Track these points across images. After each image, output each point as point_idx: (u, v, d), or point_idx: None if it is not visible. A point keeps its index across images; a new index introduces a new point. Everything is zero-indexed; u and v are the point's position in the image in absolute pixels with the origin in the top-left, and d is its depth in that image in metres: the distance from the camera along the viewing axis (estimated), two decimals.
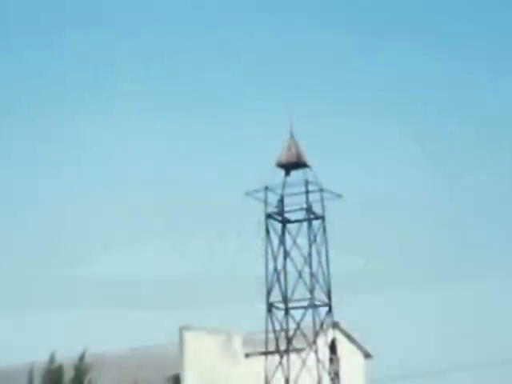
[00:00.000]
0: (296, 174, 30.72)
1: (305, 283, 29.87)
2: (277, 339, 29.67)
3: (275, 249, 30.45)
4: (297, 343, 29.72)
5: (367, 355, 36.37)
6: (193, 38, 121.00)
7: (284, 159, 30.58)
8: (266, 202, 30.63)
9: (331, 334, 31.29)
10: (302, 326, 29.85)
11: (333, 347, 31.47)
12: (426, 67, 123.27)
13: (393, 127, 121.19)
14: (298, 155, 30.48)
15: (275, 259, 30.33)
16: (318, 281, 29.94)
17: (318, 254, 30.22)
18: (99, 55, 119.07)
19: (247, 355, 30.78)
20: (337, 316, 31.11)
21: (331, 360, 30.94)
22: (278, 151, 30.76)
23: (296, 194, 30.66)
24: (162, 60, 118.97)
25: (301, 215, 30.55)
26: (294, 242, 30.49)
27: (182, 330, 29.70)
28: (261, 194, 30.57)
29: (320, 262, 30.14)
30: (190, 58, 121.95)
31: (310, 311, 29.75)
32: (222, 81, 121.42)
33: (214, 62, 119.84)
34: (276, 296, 30.07)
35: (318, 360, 29.36)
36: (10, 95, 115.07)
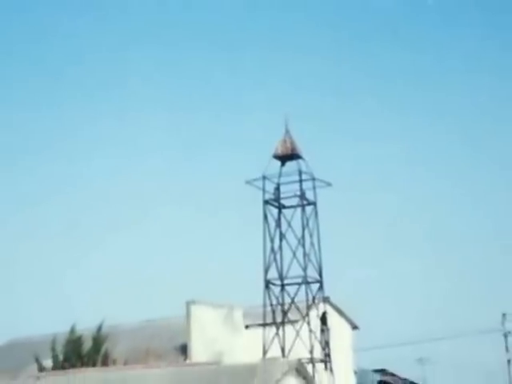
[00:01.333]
0: (291, 165, 30.73)
1: (298, 262, 29.87)
2: (273, 312, 29.66)
3: (272, 231, 30.43)
4: (291, 316, 29.69)
5: (354, 327, 36.29)
6: (197, 42, 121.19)
7: (280, 151, 30.53)
8: (263, 190, 30.60)
9: (322, 307, 31.24)
10: (296, 300, 29.82)
11: (323, 319, 31.43)
12: (415, 65, 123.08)
13: (379, 123, 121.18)
14: (293, 148, 30.43)
15: (272, 241, 30.31)
16: (310, 260, 29.93)
17: (311, 235, 30.20)
18: (115, 57, 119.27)
19: (247, 327, 30.68)
20: (327, 291, 31.12)
21: (322, 331, 30.90)
22: (275, 144, 30.68)
23: (291, 183, 30.66)
24: (171, 63, 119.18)
25: (295, 201, 30.53)
26: (289, 226, 30.48)
27: (188, 304, 29.61)
28: (259, 183, 30.58)
29: (312, 243, 30.12)
30: (195, 60, 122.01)
31: (303, 287, 29.73)
32: (225, 81, 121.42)
33: (217, 64, 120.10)
34: (273, 273, 30.06)
35: (310, 331, 29.35)
36: (32, 94, 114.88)
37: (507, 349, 44.47)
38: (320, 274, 30.03)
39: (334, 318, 33.30)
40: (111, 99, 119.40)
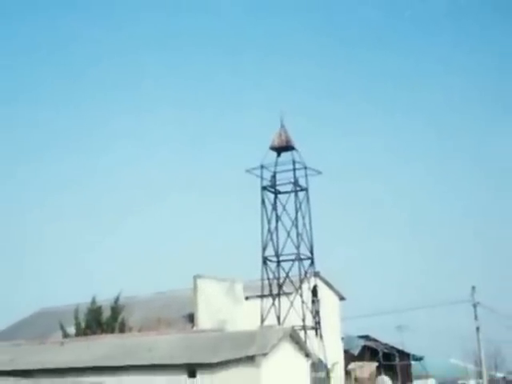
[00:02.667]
0: (285, 156, 30.65)
1: (292, 241, 29.85)
2: (270, 285, 29.67)
3: (269, 214, 30.41)
4: (286, 288, 29.71)
5: (341, 298, 36.30)
6: (202, 48, 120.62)
7: (276, 143, 30.49)
8: (261, 178, 30.59)
9: (313, 281, 31.28)
10: (290, 274, 29.82)
11: (314, 291, 31.47)
12: (396, 68, 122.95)
13: (365, 118, 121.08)
14: (287, 140, 30.40)
15: (269, 222, 30.29)
16: (302, 239, 29.92)
17: (303, 218, 30.20)
18: (128, 61, 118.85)
19: (247, 298, 30.73)
20: (317, 267, 31.12)
21: (313, 302, 30.95)
22: (271, 137, 30.65)
23: (285, 171, 30.61)
24: (179, 66, 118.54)
25: (289, 188, 30.49)
26: (284, 209, 30.46)
27: (195, 278, 29.65)
28: (257, 171, 30.53)
29: (304, 225, 30.12)
30: (200, 63, 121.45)
31: (296, 263, 29.73)
32: (227, 82, 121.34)
33: (219, 67, 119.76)
34: (269, 251, 30.06)
35: (302, 302, 29.36)
36: (56, 93, 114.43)
37: (476, 317, 44.43)
38: (311, 252, 30.05)
39: (323, 291, 33.32)
40: (125, 98, 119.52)
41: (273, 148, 30.59)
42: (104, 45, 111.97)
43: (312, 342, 27.82)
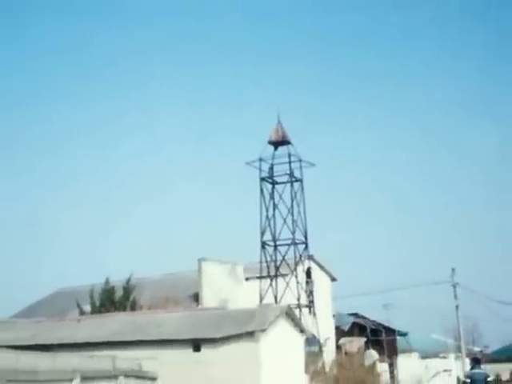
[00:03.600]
0: (282, 149, 30.75)
1: (288, 227, 29.97)
2: (268, 267, 29.76)
3: (267, 203, 30.48)
4: (282, 270, 29.80)
5: (333, 279, 36.36)
6: (206, 51, 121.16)
7: (273, 138, 30.55)
8: (260, 169, 30.68)
9: (307, 263, 31.36)
10: (286, 258, 29.92)
11: (308, 273, 31.53)
12: (381, 69, 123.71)
13: (353, 115, 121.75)
14: (284, 135, 30.44)
15: (267, 210, 30.37)
16: (297, 225, 30.02)
17: (298, 206, 30.29)
18: (140, 63, 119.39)
19: (247, 279, 30.77)
20: (311, 250, 31.25)
21: (307, 282, 31.02)
22: (269, 133, 30.68)
23: (282, 164, 30.71)
24: (185, 67, 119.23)
25: (285, 178, 30.57)
26: (280, 198, 30.56)
27: (199, 260, 29.69)
28: (256, 164, 30.62)
29: (299, 212, 30.21)
30: (205, 65, 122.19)
31: (291, 247, 29.84)
32: (229, 82, 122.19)
33: (222, 68, 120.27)
34: (267, 236, 30.14)
35: (297, 282, 29.46)
36: (75, 91, 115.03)
37: (456, 297, 44.55)
38: (305, 237, 30.14)
39: (316, 272, 33.39)
40: (136, 96, 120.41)
41: (270, 142, 30.65)
42: (117, 48, 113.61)
43: (306, 319, 27.91)
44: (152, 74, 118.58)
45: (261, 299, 28.77)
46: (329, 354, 30.06)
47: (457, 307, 44.98)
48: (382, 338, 37.66)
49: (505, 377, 70.90)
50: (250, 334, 21.19)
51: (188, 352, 21.57)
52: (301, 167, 30.57)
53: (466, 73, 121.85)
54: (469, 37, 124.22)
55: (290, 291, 28.92)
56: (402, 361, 36.58)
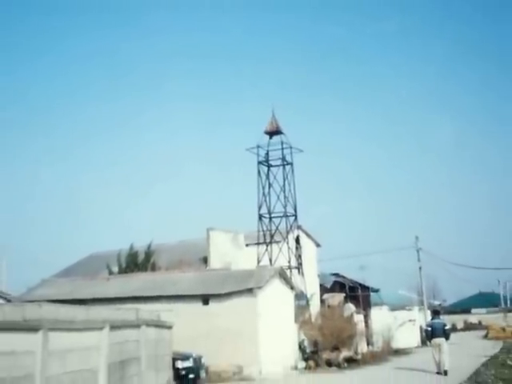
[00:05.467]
0: (276, 138, 30.67)
1: (281, 202, 29.96)
2: (264, 235, 29.80)
3: (263, 182, 30.46)
4: (276, 238, 29.84)
5: (318, 245, 36.42)
6: (212, 57, 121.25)
7: (268, 129, 30.48)
8: (257, 155, 30.59)
9: (296, 232, 31.38)
10: (279, 227, 29.94)
11: (297, 240, 31.55)
12: (358, 73, 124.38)
13: (336, 110, 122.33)
14: (277, 127, 30.38)
15: (263, 188, 30.36)
16: (288, 201, 30.02)
17: (289, 185, 30.27)
18: (157, 67, 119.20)
19: (247, 245, 30.84)
20: (300, 221, 31.28)
21: (296, 248, 31.04)
22: (265, 124, 30.63)
23: (276, 150, 30.62)
24: (195, 70, 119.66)
25: (278, 162, 30.51)
26: (275, 178, 30.53)
27: (208, 230, 29.74)
28: (255, 150, 30.54)
29: (290, 190, 30.20)
30: (211, 68, 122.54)
31: (284, 219, 29.86)
32: (231, 83, 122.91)
33: (225, 71, 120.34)
34: (264, 210, 30.15)
35: (288, 248, 29.51)
36: (104, 91, 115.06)
37: (419, 259, 44.74)
38: (295, 210, 30.16)
39: (304, 240, 33.44)
40: (155, 94, 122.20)
41: (266, 132, 30.60)
42: (138, 55, 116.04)
43: (296, 278, 28.04)
44: (167, 76, 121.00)
45: (258, 262, 28.85)
46: (314, 307, 30.22)
47: (420, 268, 45.21)
48: (358, 294, 37.81)
49: (459, 325, 71.57)
50: (250, 291, 21.31)
51: (198, 305, 21.71)
52: (291, 153, 30.56)
53: (427, 74, 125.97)
54: (429, 44, 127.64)
55: (282, 255, 28.99)
56: (374, 312, 36.73)
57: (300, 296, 26.86)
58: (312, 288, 31.51)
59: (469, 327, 72.32)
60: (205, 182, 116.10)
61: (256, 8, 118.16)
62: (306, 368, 23.83)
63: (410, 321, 40.48)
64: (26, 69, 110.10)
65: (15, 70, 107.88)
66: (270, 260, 29.03)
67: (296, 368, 23.50)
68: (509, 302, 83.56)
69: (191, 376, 17.54)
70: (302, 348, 24.80)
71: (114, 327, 12.25)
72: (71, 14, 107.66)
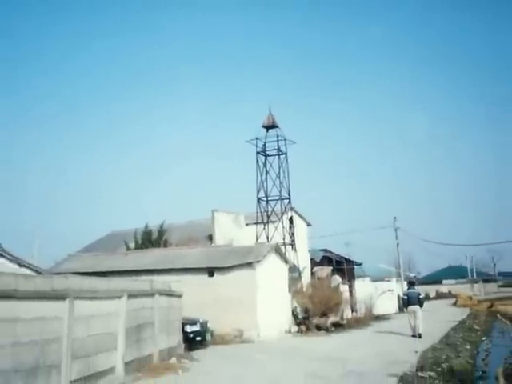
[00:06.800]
0: (272, 131, 30.56)
1: (276, 187, 29.88)
2: (262, 216, 29.80)
3: (261, 170, 30.40)
4: (272, 218, 29.85)
5: (309, 224, 36.43)
6: (218, 60, 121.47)
7: (266, 123, 30.37)
8: (256, 146, 30.49)
9: (290, 213, 31.39)
10: (275, 209, 29.94)
11: (291, 220, 31.60)
12: (342, 74, 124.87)
13: (322, 108, 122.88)
14: (273, 121, 30.27)
15: (261, 175, 30.29)
16: (283, 186, 29.95)
17: (284, 172, 30.17)
18: (170, 72, 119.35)
19: (247, 224, 30.86)
20: (293, 204, 31.24)
21: (290, 227, 31.09)
22: (263, 119, 30.55)
23: (272, 141, 30.52)
24: (203, 73, 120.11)
25: (274, 152, 30.41)
26: (271, 166, 30.41)
27: (213, 211, 29.77)
28: (253, 142, 30.42)
29: (284, 177, 30.11)
30: (216, 70, 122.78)
31: (279, 202, 29.85)
32: (233, 83, 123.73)
33: (227, 73, 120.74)
34: (261, 194, 30.12)
35: (283, 227, 29.53)
36: (123, 91, 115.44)
37: (397, 237, 44.82)
38: (289, 194, 30.12)
39: (296, 219, 33.47)
40: (168, 93, 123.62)
41: (263, 126, 30.49)
42: (154, 59, 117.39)
43: (289, 253, 28.09)
44: (178, 78, 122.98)
45: (257, 239, 28.89)
46: (305, 278, 30.32)
47: (397, 245, 45.32)
48: (343, 267, 37.91)
49: (432, 295, 71.92)
50: (249, 264, 21.39)
51: (204, 277, 21.79)
52: (285, 144, 30.44)
53: (404, 73, 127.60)
54: (405, 47, 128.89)
55: (277, 233, 29.02)
56: (358, 283, 36.87)
57: (293, 269, 26.94)
58: (303, 262, 31.58)
59: (440, 296, 72.72)
60: (210, 170, 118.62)
61: (255, 18, 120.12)
62: (298, 332, 23.98)
63: (389, 290, 40.70)
64: (57, 70, 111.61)
65: (48, 71, 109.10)
66: (267, 237, 29.07)
67: (290, 332, 23.64)
68: (475, 274, 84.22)
69: (198, 339, 17.68)
70: (294, 314, 24.92)
71: (131, 296, 12.33)
72: (97, 23, 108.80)
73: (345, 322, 27.14)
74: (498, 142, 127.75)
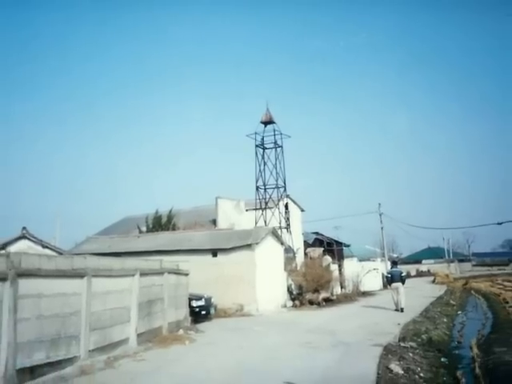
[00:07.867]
0: (269, 127, 30.46)
1: (273, 177, 29.85)
2: (260, 203, 29.78)
3: (259, 161, 30.35)
4: (269, 204, 29.84)
5: (302, 210, 36.43)
6: (220, 62, 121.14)
7: (264, 119, 30.26)
8: (255, 140, 30.39)
9: (285, 200, 31.38)
10: (272, 196, 29.91)
11: (286, 206, 31.58)
12: (334, 76, 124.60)
13: (315, 106, 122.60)
14: (270, 117, 30.16)
15: (259, 166, 30.25)
16: (279, 176, 29.90)
17: (280, 163, 30.12)
18: (175, 72, 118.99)
19: (247, 210, 30.83)
20: (288, 191, 31.23)
21: (285, 212, 31.08)
22: (261, 115, 30.44)
23: (269, 136, 30.43)
24: (206, 74, 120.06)
25: (271, 145, 30.34)
26: (268, 158, 30.36)
27: (216, 198, 29.76)
28: (253, 136, 30.31)
29: (280, 168, 30.06)
30: (219, 72, 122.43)
31: (275, 190, 29.82)
32: (234, 83, 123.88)
33: (229, 74, 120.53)
34: (260, 182, 30.10)
35: (279, 212, 29.53)
36: (135, 90, 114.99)
37: (381, 222, 44.91)
38: (284, 183, 30.08)
39: (291, 206, 33.45)
40: (174, 92, 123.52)
41: (262, 122, 30.38)
42: (163, 61, 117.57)
43: (285, 236, 28.10)
44: (184, 78, 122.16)
45: (255, 223, 28.89)
46: (299, 258, 30.37)
47: (382, 228, 45.37)
48: (333, 248, 37.98)
49: (413, 273, 72.08)
50: (249, 246, 21.40)
51: (209, 257, 21.81)
52: (281, 138, 30.34)
53: (388, 75, 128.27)
54: (389, 52, 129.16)
55: (274, 218, 29.02)
56: (346, 263, 36.88)
57: (288, 250, 26.98)
58: (297, 244, 31.62)
59: (420, 274, 72.86)
60: (214, 161, 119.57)
61: (254, 24, 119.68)
62: (293, 306, 24.06)
63: (374, 269, 40.71)
64: (78, 70, 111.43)
65: (70, 71, 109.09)
66: (265, 222, 29.08)
67: (285, 306, 23.72)
68: (451, 255, 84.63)
69: (203, 312, 17.74)
70: (289, 290, 24.99)
71: (143, 274, 12.34)
72: (113, 31, 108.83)
73: (335, 297, 27.22)
74: (470, 134, 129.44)
